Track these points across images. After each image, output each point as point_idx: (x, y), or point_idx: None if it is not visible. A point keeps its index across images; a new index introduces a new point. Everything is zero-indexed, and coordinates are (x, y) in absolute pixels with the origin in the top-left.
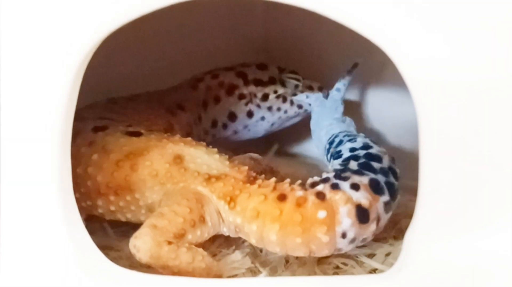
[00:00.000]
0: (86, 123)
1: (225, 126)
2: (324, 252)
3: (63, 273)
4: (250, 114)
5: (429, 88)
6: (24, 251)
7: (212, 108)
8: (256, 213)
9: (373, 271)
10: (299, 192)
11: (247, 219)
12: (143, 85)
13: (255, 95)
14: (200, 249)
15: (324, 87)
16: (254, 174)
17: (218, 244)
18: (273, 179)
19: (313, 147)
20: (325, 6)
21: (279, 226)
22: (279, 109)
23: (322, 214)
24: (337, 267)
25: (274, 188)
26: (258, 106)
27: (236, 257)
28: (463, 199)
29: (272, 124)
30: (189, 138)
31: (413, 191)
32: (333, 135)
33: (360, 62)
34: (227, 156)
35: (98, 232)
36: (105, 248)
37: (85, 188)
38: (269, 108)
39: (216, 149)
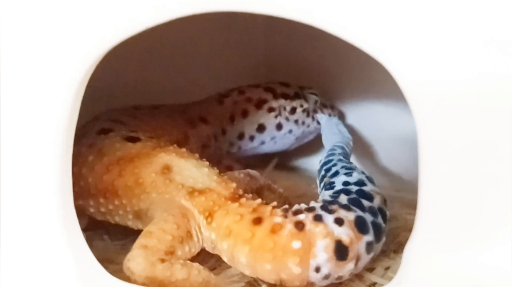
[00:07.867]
0: (96, 124)
1: (252, 138)
2: (295, 284)
3: (63, 286)
4: (279, 127)
5: (429, 103)
6: (24, 263)
7: (240, 122)
8: (228, 231)
9: (373, 285)
10: (278, 218)
11: (220, 236)
12: (144, 97)
13: (284, 108)
14: (196, 264)
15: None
16: (240, 192)
17: (218, 257)
18: (258, 201)
19: (313, 161)
20: (326, 22)
21: (248, 249)
22: (303, 123)
23: (296, 244)
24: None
25: (254, 210)
26: (287, 119)
27: (236, 270)
28: (463, 212)
29: (297, 138)
30: (183, 149)
31: (412, 205)
32: (331, 160)
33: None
34: (217, 171)
35: (98, 245)
36: (105, 261)
37: (79, 187)
38: (296, 122)
39: (207, 163)
